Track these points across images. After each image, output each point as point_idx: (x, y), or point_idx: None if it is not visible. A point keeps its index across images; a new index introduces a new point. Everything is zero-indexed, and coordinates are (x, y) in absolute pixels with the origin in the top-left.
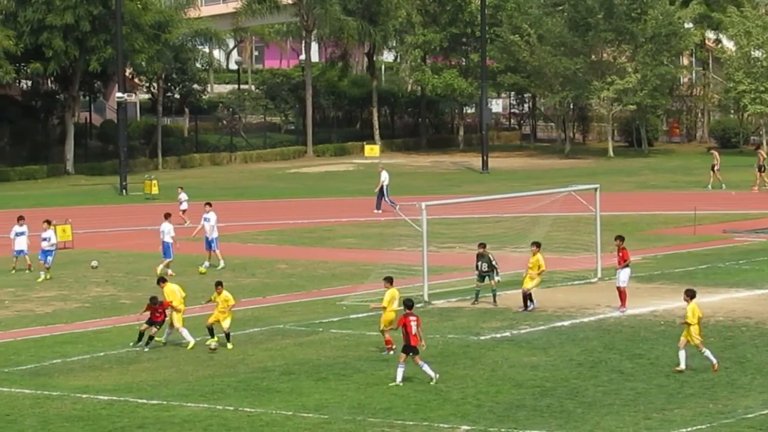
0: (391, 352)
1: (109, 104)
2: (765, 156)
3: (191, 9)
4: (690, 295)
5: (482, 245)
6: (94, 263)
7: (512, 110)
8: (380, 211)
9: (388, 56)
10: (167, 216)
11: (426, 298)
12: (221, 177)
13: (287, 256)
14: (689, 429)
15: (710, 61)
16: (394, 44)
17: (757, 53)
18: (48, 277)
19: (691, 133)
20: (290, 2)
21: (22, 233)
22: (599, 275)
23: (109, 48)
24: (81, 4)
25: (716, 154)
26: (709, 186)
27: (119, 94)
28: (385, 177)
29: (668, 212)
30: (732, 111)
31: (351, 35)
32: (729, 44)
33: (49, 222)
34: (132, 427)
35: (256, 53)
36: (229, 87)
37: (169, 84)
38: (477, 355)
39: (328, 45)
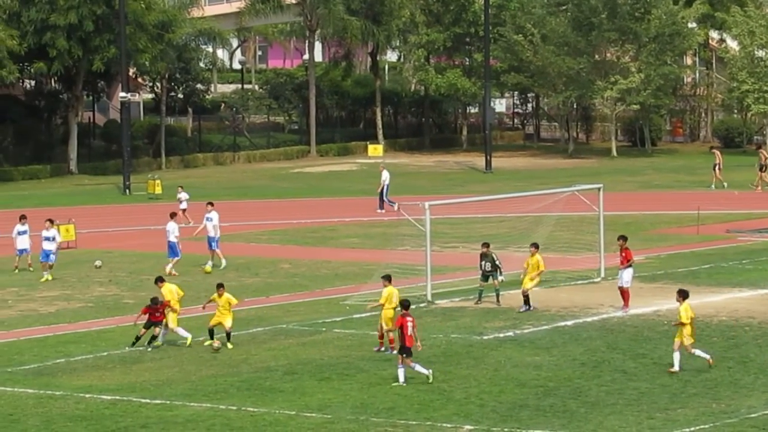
0: (394, 351)
1: (113, 104)
2: (767, 155)
3: (195, 9)
4: (683, 295)
5: (486, 245)
6: (98, 263)
7: (515, 110)
8: (383, 211)
9: (391, 56)
10: (173, 215)
11: (429, 297)
12: (224, 177)
13: (290, 256)
14: (692, 429)
15: (714, 61)
16: (398, 44)
17: (760, 53)
18: (50, 278)
19: (694, 132)
20: (294, 2)
21: (24, 232)
22: (602, 275)
23: (113, 48)
24: (84, 3)
25: (718, 153)
26: (712, 186)
27: (122, 94)
28: (386, 176)
29: (671, 212)
30: (735, 111)
31: (354, 35)
32: (732, 44)
33: (51, 221)
34: (135, 426)
35: (259, 53)
36: (232, 87)
37: (172, 84)
38: (480, 354)
39: (331, 45)
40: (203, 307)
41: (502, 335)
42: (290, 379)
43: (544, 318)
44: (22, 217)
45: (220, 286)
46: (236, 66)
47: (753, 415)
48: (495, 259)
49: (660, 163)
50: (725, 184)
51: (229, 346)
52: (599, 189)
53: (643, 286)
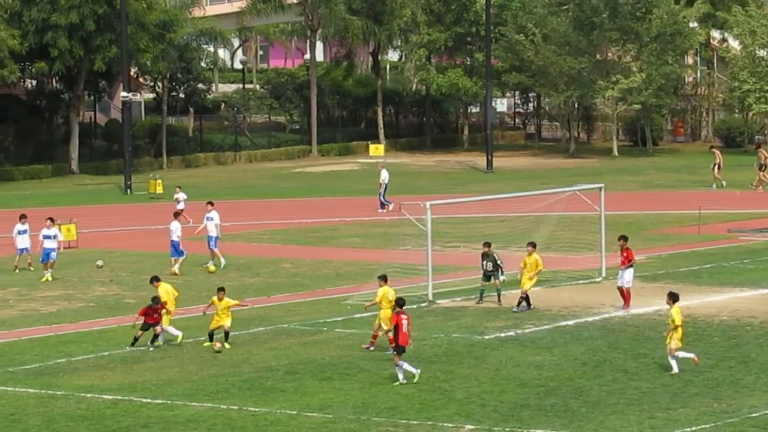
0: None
1: (114, 103)
2: (766, 155)
3: (196, 8)
4: (673, 298)
5: (487, 244)
6: (100, 263)
7: (517, 109)
8: (384, 211)
9: (392, 56)
10: (176, 215)
11: (430, 297)
12: (226, 176)
13: (292, 256)
14: (693, 428)
15: (715, 61)
16: (399, 44)
17: (761, 52)
18: (50, 278)
19: (695, 132)
20: (295, 2)
21: (24, 231)
22: (603, 275)
23: (114, 47)
24: (86, 3)
25: (718, 152)
26: (713, 186)
27: (124, 94)
28: (385, 176)
29: (673, 212)
30: (737, 110)
31: (356, 35)
32: (734, 43)
33: (52, 220)
34: (136, 426)
35: (260, 52)
36: (233, 86)
37: (173, 83)
38: (481, 354)
39: (332, 44)
40: (203, 313)
41: (503, 335)
42: (291, 378)
43: (545, 318)
44: (22, 217)
45: (220, 290)
46: (237, 66)
47: (754, 415)
48: (496, 258)
49: (661, 163)
50: (723, 183)
51: (227, 346)
52: (600, 189)
53: (645, 285)
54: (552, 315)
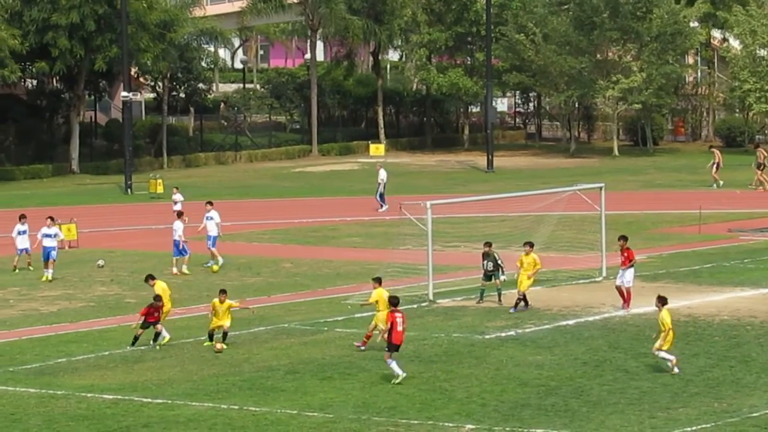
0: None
1: (115, 103)
2: (766, 154)
3: (196, 8)
4: (662, 302)
5: (488, 244)
6: (101, 262)
7: (517, 109)
8: (382, 210)
9: (393, 55)
10: (180, 215)
11: (431, 297)
12: (226, 176)
13: (292, 255)
14: (694, 428)
15: (715, 60)
16: (400, 43)
17: (762, 52)
18: (50, 277)
19: (696, 132)
20: (295, 1)
21: (24, 232)
22: (604, 274)
23: (115, 47)
24: (86, 3)
25: (717, 152)
26: (714, 185)
27: (124, 93)
28: (383, 176)
29: (673, 211)
30: (737, 110)
31: (356, 34)
32: (734, 43)
33: (52, 219)
34: (137, 426)
35: (261, 52)
36: (234, 86)
37: (174, 83)
38: (482, 354)
39: (333, 44)
40: (211, 319)
41: (503, 334)
42: (292, 378)
43: (545, 317)
44: (22, 217)
45: (222, 291)
46: (238, 65)
47: (755, 415)
48: (497, 258)
49: (662, 163)
50: (720, 182)
51: (225, 346)
52: (601, 188)
53: (645, 285)
54: (552, 314)
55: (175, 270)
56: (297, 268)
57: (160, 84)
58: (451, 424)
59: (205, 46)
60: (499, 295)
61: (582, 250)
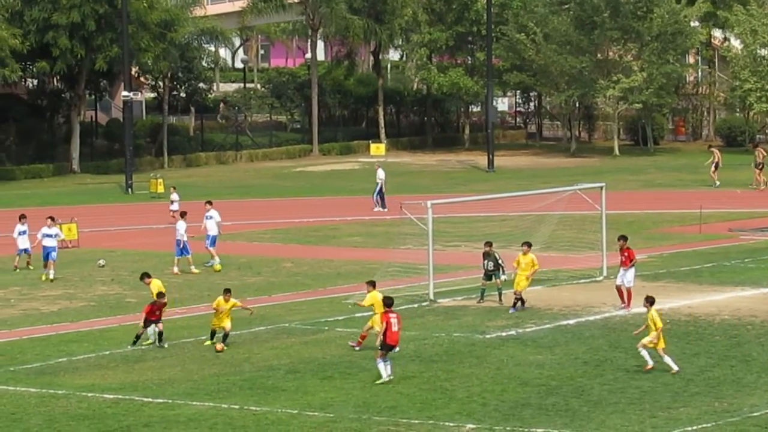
0: (396, 349)
1: (115, 103)
2: (765, 154)
3: (197, 8)
4: (650, 302)
5: (488, 244)
6: (101, 262)
7: (518, 109)
8: (386, 210)
9: (394, 55)
10: (183, 215)
11: (431, 296)
12: (227, 176)
13: (293, 255)
14: (695, 427)
15: (716, 60)
16: (400, 43)
17: (763, 51)
18: (50, 277)
19: (696, 131)
20: (296, 1)
21: (24, 232)
22: (605, 274)
23: (115, 47)
24: (87, 2)
25: (716, 151)
26: (714, 185)
27: (125, 93)
28: (381, 175)
29: (674, 211)
30: (738, 109)
31: (357, 34)
32: (735, 42)
33: (53, 219)
34: (137, 425)
35: (262, 52)
36: (235, 86)
37: (175, 83)
38: (482, 353)
39: (334, 44)
40: (216, 318)
41: (504, 334)
42: (292, 377)
43: (546, 317)
44: (22, 217)
45: (227, 291)
46: (239, 65)
47: (755, 414)
48: (497, 258)
49: (662, 162)
50: (717, 183)
51: (225, 347)
52: (601, 188)
53: (646, 285)
54: (553, 314)
55: (176, 269)
56: (298, 267)
57: (161, 83)
58: (451, 424)
59: (206, 45)
60: (500, 294)
61: (582, 249)
